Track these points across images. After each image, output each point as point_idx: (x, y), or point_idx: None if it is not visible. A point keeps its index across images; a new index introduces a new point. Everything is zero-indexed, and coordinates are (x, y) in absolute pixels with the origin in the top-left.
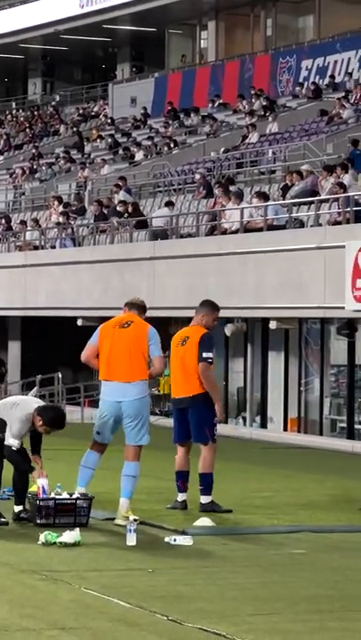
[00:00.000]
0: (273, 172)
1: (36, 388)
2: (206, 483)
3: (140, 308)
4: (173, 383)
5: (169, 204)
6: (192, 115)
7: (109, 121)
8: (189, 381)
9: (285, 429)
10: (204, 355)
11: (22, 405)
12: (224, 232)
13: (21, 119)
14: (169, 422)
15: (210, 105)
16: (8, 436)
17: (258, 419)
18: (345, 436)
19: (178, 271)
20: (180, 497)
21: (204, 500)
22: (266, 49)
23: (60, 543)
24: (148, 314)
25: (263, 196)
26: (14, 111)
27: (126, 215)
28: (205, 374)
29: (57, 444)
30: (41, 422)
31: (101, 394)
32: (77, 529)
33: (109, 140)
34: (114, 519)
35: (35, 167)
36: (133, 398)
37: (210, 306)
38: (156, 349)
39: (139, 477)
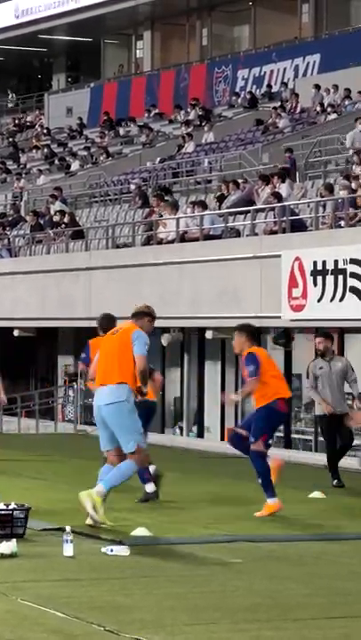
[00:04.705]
0: (209, 181)
1: None
2: None
3: (135, 315)
4: None
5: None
6: (128, 124)
7: (45, 131)
8: None
9: (222, 439)
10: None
11: None
12: (160, 242)
13: None
14: None
15: (146, 115)
16: None
17: (195, 428)
18: (282, 446)
19: (114, 281)
20: None
21: None
22: (201, 59)
23: None
24: (86, 324)
25: (202, 205)
26: None
27: (63, 225)
28: None
29: None
30: None
31: None
32: (14, 540)
33: (45, 150)
34: (52, 529)
35: None
36: (107, 402)
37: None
38: (138, 348)
39: (125, 476)
